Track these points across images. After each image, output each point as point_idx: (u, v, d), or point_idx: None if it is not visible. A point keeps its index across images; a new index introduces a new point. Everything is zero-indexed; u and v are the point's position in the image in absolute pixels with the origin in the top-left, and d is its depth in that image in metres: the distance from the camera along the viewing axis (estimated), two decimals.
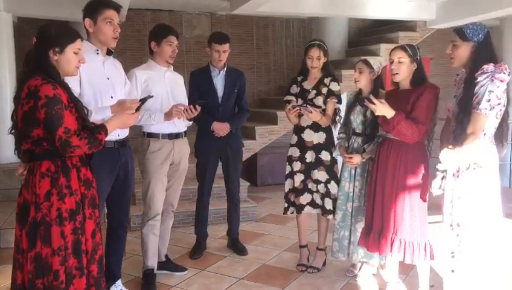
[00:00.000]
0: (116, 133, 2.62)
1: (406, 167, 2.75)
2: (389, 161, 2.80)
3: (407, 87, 2.80)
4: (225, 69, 3.73)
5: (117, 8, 2.63)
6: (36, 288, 2.02)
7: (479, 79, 2.31)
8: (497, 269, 2.42)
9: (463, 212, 2.42)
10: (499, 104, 2.30)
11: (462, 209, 2.42)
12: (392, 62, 2.79)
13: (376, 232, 2.86)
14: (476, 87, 2.31)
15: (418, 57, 2.77)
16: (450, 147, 2.39)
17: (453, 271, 2.51)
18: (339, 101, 3.35)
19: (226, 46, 3.63)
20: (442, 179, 2.52)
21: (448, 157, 2.37)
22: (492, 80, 2.28)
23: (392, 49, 2.84)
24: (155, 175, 3.14)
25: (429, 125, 2.74)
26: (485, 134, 2.37)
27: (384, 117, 2.71)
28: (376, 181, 2.88)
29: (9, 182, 4.75)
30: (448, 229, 2.50)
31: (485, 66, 2.31)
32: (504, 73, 2.28)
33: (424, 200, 2.77)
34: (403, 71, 2.75)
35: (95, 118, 2.40)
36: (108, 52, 2.72)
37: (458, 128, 2.39)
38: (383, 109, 2.68)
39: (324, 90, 3.32)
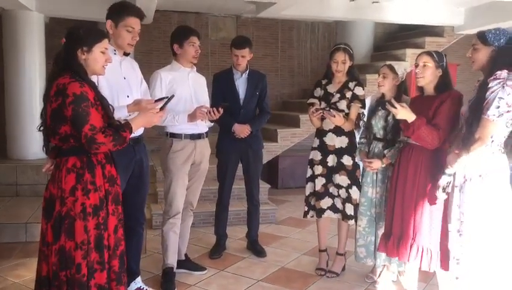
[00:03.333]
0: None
1: (426, 173, 2.72)
2: (410, 166, 2.78)
3: (431, 93, 2.78)
4: (247, 71, 3.76)
5: (140, 16, 2.68)
6: (59, 280, 2.08)
7: (490, 84, 2.31)
8: (503, 278, 2.41)
9: (468, 220, 2.43)
10: (508, 111, 2.29)
11: (467, 217, 2.44)
12: (417, 66, 2.78)
13: (396, 237, 2.84)
14: (487, 93, 2.31)
15: (444, 64, 2.76)
16: (457, 151, 2.41)
17: (457, 278, 2.50)
18: (363, 106, 3.33)
19: (245, 51, 3.64)
20: (448, 183, 2.51)
21: (454, 161, 2.40)
22: (504, 87, 2.27)
23: (419, 54, 2.84)
24: (177, 174, 3.18)
25: (452, 132, 2.71)
26: (492, 141, 2.36)
27: (406, 121, 2.71)
28: (396, 186, 2.86)
29: (37, 177, 4.88)
30: (455, 235, 2.50)
31: (498, 72, 2.30)
32: None
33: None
34: (427, 75, 2.74)
35: None
36: (126, 53, 2.78)
37: (466, 132, 2.40)
38: (404, 113, 2.68)
39: (348, 94, 3.30)
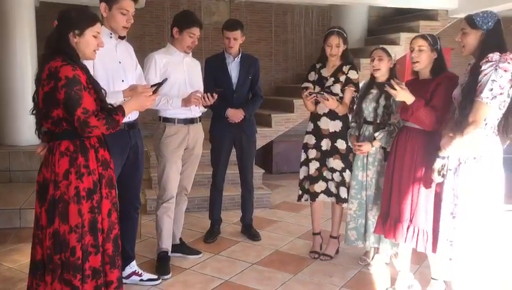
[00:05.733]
0: (127, 116, 2.65)
1: (423, 155, 2.73)
2: (407, 149, 2.79)
3: (427, 77, 2.78)
4: (239, 55, 3.73)
5: None
6: (54, 263, 2.08)
7: (483, 67, 2.31)
8: (493, 260, 2.44)
9: (462, 202, 2.45)
10: (501, 94, 2.29)
11: (461, 199, 2.45)
12: (412, 50, 2.77)
13: (393, 219, 2.86)
14: (480, 76, 2.31)
15: (438, 47, 2.75)
16: (451, 134, 2.41)
17: (450, 259, 2.54)
18: (357, 90, 3.32)
19: (236, 34, 3.61)
20: (443, 165, 2.52)
21: (448, 144, 2.40)
22: (496, 69, 2.27)
23: (413, 38, 2.83)
24: (170, 159, 3.18)
25: (448, 114, 2.71)
26: (486, 124, 2.37)
27: (404, 104, 2.71)
28: (393, 168, 2.87)
29: (30, 163, 4.85)
30: (448, 218, 2.52)
31: (490, 55, 2.30)
32: (508, 62, 2.27)
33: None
34: (423, 60, 2.74)
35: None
36: (121, 36, 2.74)
37: (460, 115, 2.40)
38: (403, 95, 2.67)
39: (342, 78, 3.30)
